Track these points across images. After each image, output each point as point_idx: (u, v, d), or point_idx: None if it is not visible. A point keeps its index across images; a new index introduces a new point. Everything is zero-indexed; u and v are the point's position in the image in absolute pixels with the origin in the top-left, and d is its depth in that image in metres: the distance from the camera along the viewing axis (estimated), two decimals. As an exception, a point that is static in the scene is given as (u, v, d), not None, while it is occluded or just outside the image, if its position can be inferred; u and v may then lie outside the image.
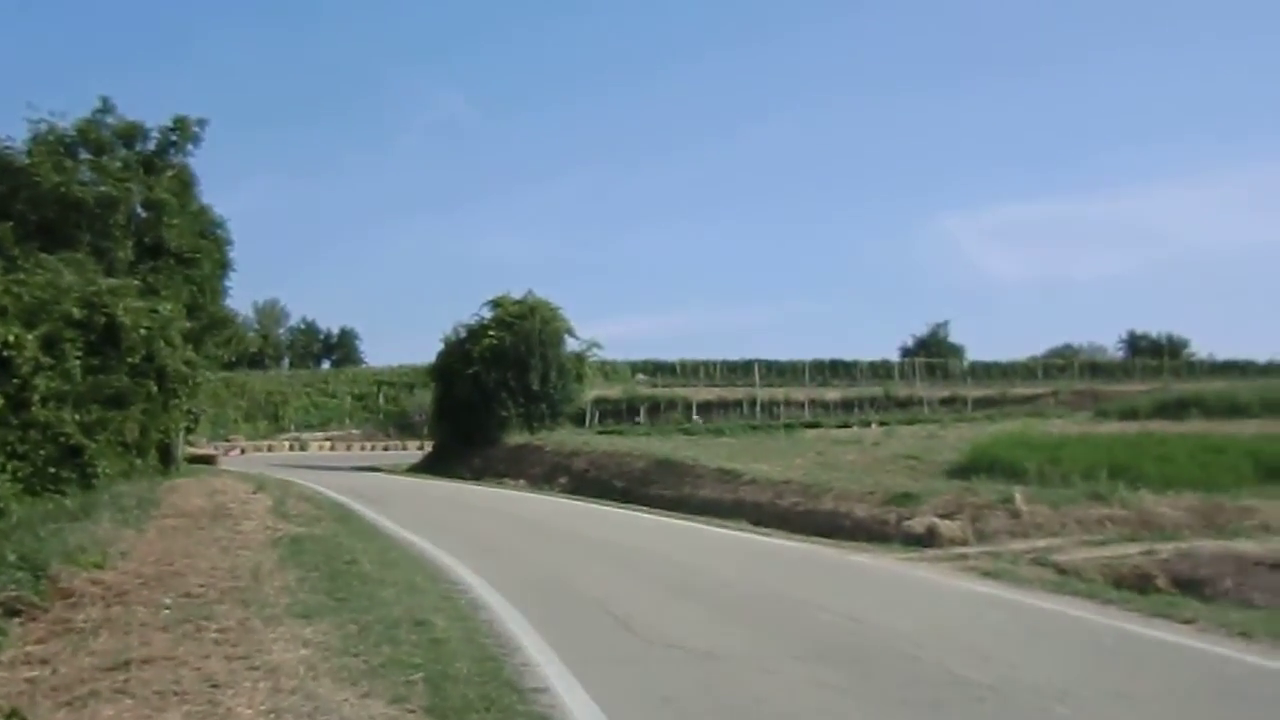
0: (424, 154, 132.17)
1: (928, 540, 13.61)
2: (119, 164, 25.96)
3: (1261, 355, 71.56)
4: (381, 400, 64.04)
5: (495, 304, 37.57)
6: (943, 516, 14.29)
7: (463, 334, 37.56)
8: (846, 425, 39.27)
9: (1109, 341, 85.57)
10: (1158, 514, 14.19)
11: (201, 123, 27.33)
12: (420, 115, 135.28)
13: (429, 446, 41.81)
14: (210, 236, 28.02)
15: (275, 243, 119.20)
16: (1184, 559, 11.56)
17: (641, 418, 46.31)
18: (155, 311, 21.03)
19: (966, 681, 6.21)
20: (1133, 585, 10.69)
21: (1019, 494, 14.65)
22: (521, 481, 27.69)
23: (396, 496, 22.02)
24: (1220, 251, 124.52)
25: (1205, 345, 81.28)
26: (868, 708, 5.76)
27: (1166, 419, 29.46)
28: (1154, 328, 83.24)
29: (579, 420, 39.64)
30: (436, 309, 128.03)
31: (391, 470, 35.55)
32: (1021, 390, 57.52)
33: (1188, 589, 10.58)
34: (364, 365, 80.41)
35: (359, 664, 6.25)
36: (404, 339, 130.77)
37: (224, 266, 28.87)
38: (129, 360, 19.67)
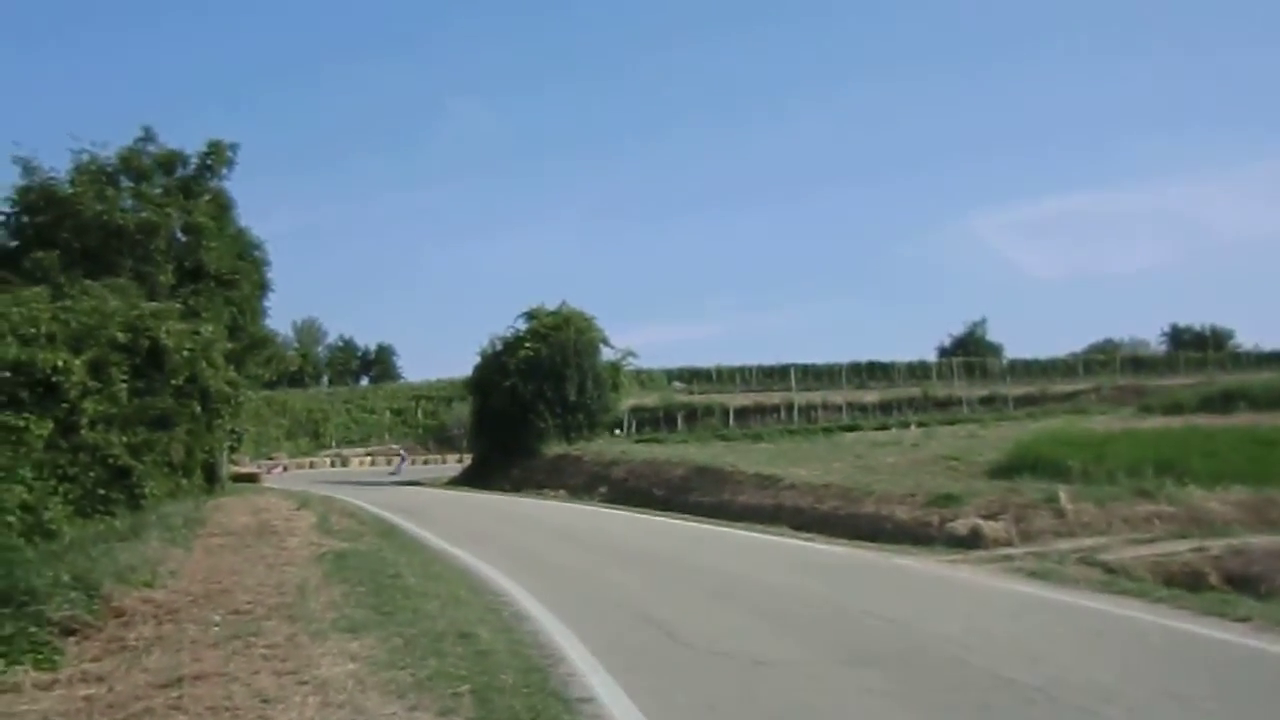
0: (452, 168, 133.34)
1: (971, 542, 13.48)
2: (159, 190, 26.45)
3: (1312, 345, 70.32)
4: (420, 415, 64.56)
5: (530, 315, 37.76)
6: (986, 517, 14.15)
7: (499, 346, 37.78)
8: (885, 427, 38.98)
9: (1151, 335, 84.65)
10: (1207, 510, 13.95)
11: (234, 147, 27.81)
12: (445, 127, 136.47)
13: (468, 459, 42.08)
14: (248, 258, 28.47)
15: (312, 263, 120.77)
16: (1236, 555, 11.38)
17: (679, 425, 46.29)
18: (197, 333, 21.37)
19: (1014, 683, 6.15)
20: (1183, 583, 10.52)
21: (1063, 493, 14.47)
22: (561, 492, 27.78)
23: (437, 510, 22.18)
24: (1262, 240, 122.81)
25: (1251, 336, 79.66)
26: (915, 712, 5.72)
27: (1213, 412, 28.92)
28: (1197, 320, 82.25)
29: (617, 429, 39.68)
30: (472, 322, 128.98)
31: (432, 484, 35.82)
32: (1062, 387, 56.91)
33: (1241, 586, 10.40)
34: (402, 381, 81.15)
35: (406, 677, 6.30)
36: (441, 353, 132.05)
37: (263, 287, 29.31)
38: (173, 382, 20.01)
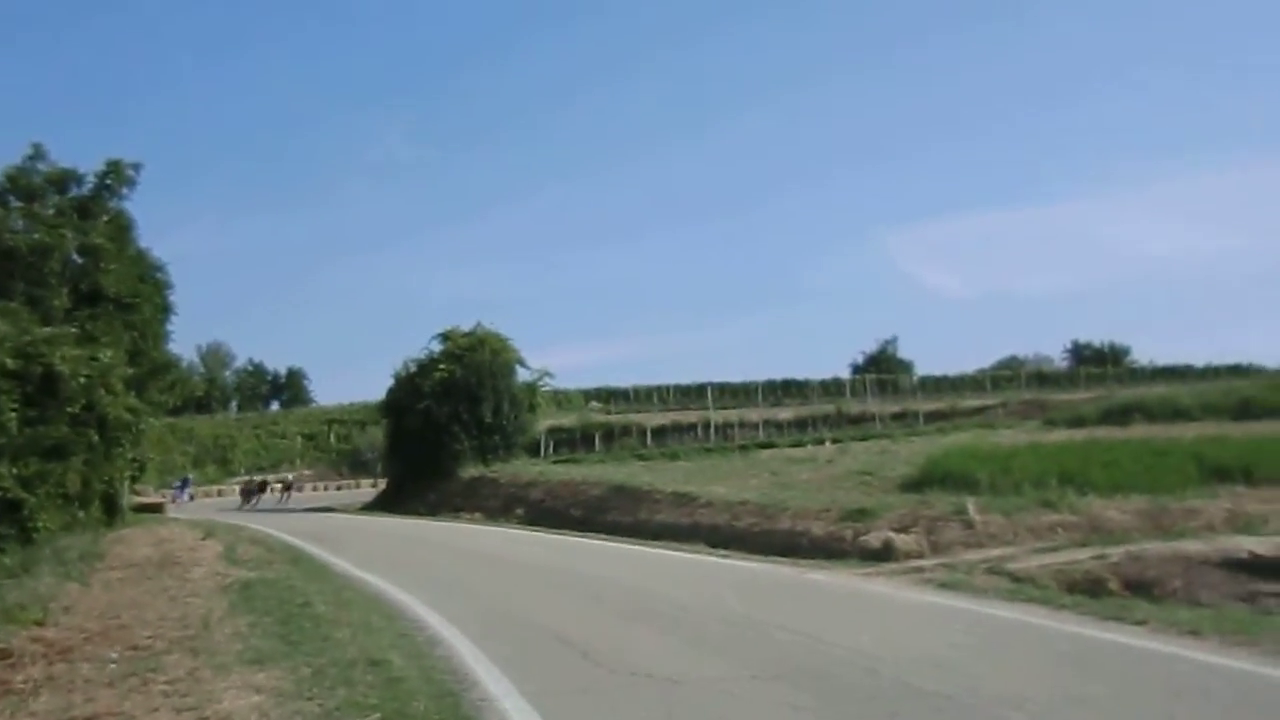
0: (364, 192, 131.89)
1: (884, 555, 13.70)
2: (52, 210, 25.53)
3: (1199, 360, 73.66)
4: (332, 439, 63.30)
5: (444, 337, 37.40)
6: (898, 530, 14.40)
7: (413, 369, 37.32)
8: (800, 444, 39.48)
9: (1054, 351, 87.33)
10: (1107, 518, 14.43)
11: (137, 166, 27.02)
12: (360, 154, 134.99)
13: (382, 484, 41.34)
14: (150, 281, 27.64)
15: (218, 285, 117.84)
16: (1134, 562, 11.76)
17: (596, 445, 46.21)
18: (94, 359, 20.63)
19: (925, 693, 6.24)
20: (1085, 590, 10.85)
21: (972, 505, 14.81)
22: (477, 515, 27.47)
23: (350, 536, 21.70)
24: (1158, 260, 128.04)
25: (1146, 352, 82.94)
26: (829, 725, 5.76)
27: (1112, 425, 30.05)
28: (1097, 336, 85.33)
29: (533, 450, 39.47)
30: (384, 346, 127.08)
31: (345, 509, 35.08)
32: (971, 402, 58.34)
33: (1138, 591, 10.76)
34: (313, 405, 79.51)
35: (314, 708, 6.11)
36: (353, 377, 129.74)
37: (165, 310, 28.48)
38: (68, 410, 19.25)
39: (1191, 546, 12.34)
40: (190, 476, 49.48)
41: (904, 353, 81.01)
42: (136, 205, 27.87)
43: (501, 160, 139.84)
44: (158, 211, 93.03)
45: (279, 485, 45.56)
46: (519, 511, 26.35)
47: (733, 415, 53.87)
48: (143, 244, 28.03)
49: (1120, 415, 32.73)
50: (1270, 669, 6.64)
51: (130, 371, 23.21)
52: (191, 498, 45.58)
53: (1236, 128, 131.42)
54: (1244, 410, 30.20)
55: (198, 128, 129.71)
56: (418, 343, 43.90)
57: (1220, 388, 39.99)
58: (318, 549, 18.11)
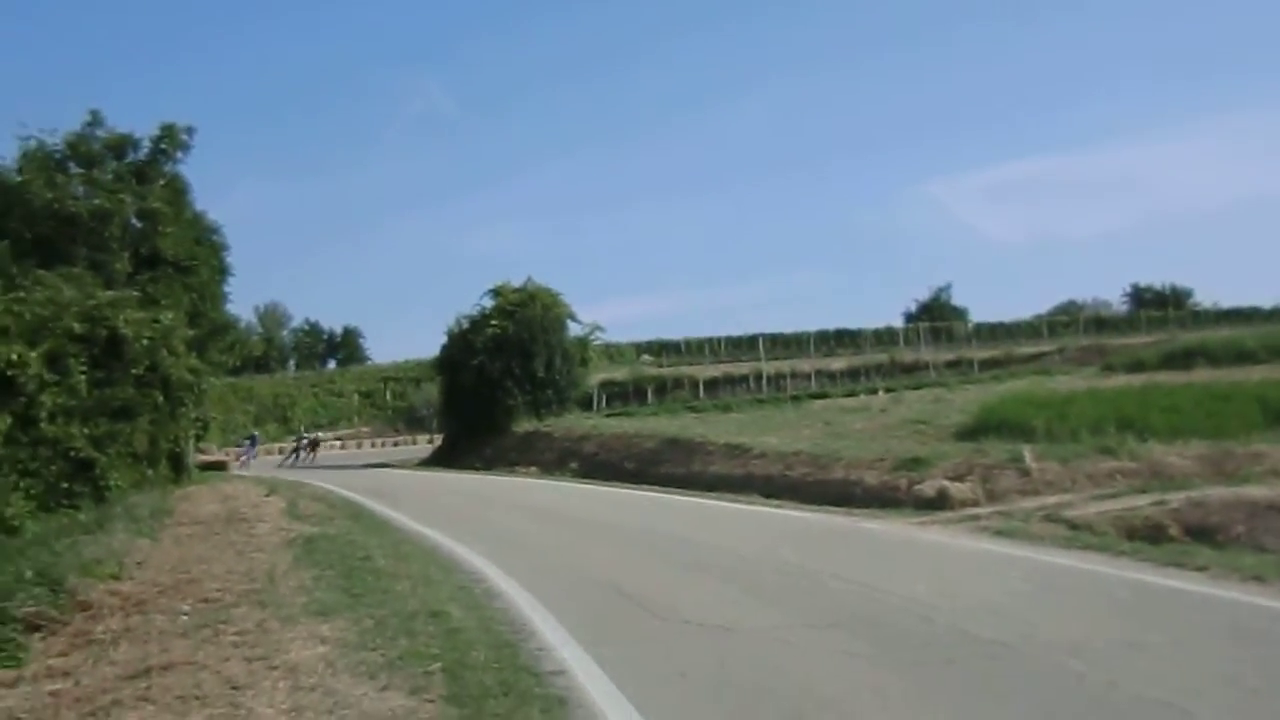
0: (409, 150, 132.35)
1: (939, 503, 13.63)
2: (110, 176, 26.01)
3: (1266, 302, 71.63)
4: (388, 396, 64.17)
5: (495, 293, 37.56)
6: (953, 479, 14.30)
7: (465, 325, 37.55)
8: (853, 394, 39.23)
9: (1113, 296, 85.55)
10: (1167, 464, 14.18)
11: (190, 130, 27.35)
12: (403, 111, 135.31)
13: (438, 440, 41.91)
14: (206, 243, 28.10)
15: (272, 245, 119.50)
16: (1195, 507, 11.56)
17: (648, 398, 46.34)
18: (156, 321, 21.07)
19: (981, 640, 6.24)
20: (1145, 536, 10.71)
21: (1028, 452, 14.64)
22: (532, 469, 27.76)
23: (407, 491, 22.08)
24: (1219, 200, 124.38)
25: (1209, 294, 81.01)
26: (882, 671, 5.79)
27: (1173, 370, 29.40)
28: (1157, 279, 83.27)
29: (586, 404, 39.67)
30: (438, 302, 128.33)
31: (402, 465, 35.66)
32: (1027, 349, 57.43)
33: (1199, 537, 10.59)
34: (369, 363, 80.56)
35: (377, 658, 6.29)
36: (407, 334, 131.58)
37: (222, 272, 28.96)
38: (133, 371, 19.73)
39: (1256, 491, 12.08)
40: (257, 434, 47.52)
41: (958, 300, 79.80)
42: (189, 168, 28.29)
43: (553, 115, 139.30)
44: (207, 173, 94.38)
45: (308, 443, 43.81)
46: (573, 465, 26.57)
47: (785, 366, 53.63)
48: (198, 207, 28.51)
49: (1182, 359, 32.02)
50: (1336, 615, 6.54)
51: (191, 333, 23.68)
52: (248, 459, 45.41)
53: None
54: (1312, 352, 29.41)
55: (240, 87, 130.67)
56: (469, 299, 44.11)
57: (1287, 329, 38.92)
58: (377, 504, 18.47)
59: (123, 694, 5.82)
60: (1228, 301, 75.19)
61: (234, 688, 5.79)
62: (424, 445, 45.26)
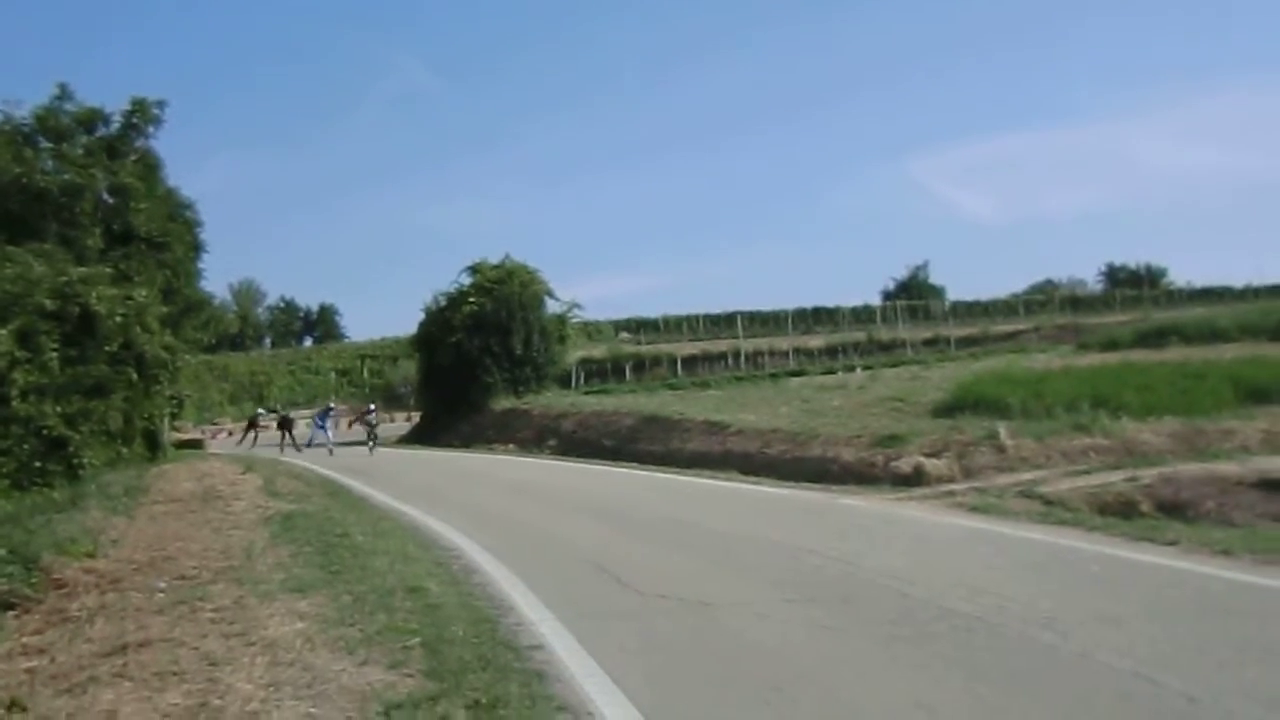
0: (383, 124, 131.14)
1: (915, 480, 13.74)
2: (81, 151, 25.61)
3: (1238, 280, 72.43)
4: (365, 374, 63.93)
5: (473, 270, 37.44)
6: (929, 455, 14.42)
7: (443, 302, 37.45)
8: (831, 371, 39.45)
9: (1088, 274, 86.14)
10: (1140, 441, 14.35)
11: (161, 104, 26.96)
12: (380, 83, 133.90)
13: (416, 417, 41.81)
14: (179, 219, 27.78)
15: (247, 222, 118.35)
16: (1166, 483, 11.72)
17: (627, 376, 46.39)
18: (129, 298, 20.87)
19: (956, 613, 6.31)
20: (1117, 512, 10.85)
21: (1003, 429, 14.77)
22: (510, 446, 27.77)
23: (385, 468, 22.05)
24: (1193, 180, 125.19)
25: (1183, 274, 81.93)
26: (858, 644, 5.85)
27: (1147, 348, 29.68)
28: (1132, 259, 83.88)
29: (565, 382, 39.70)
30: (414, 280, 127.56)
31: (380, 443, 35.53)
32: (1003, 327, 57.90)
33: (1171, 512, 10.74)
34: (346, 340, 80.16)
35: (355, 633, 6.28)
36: (385, 312, 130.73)
37: (196, 249, 28.67)
38: (107, 349, 19.55)
39: (1226, 468, 12.26)
40: (333, 405, 36.36)
41: (935, 278, 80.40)
42: (161, 143, 27.94)
43: (523, 88, 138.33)
44: (180, 149, 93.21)
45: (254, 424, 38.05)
46: (551, 442, 26.60)
47: (763, 344, 53.83)
48: (171, 182, 28.15)
49: (1155, 338, 32.34)
50: (1303, 587, 6.64)
51: (165, 309, 23.48)
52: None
53: (1273, 48, 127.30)
54: (1283, 330, 29.74)
55: (212, 61, 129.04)
56: (446, 276, 43.98)
57: (1260, 308, 39.31)
58: (354, 482, 18.43)
59: (99, 671, 5.79)
60: (1201, 281, 75.99)
61: (211, 664, 5.77)
62: (402, 422, 45.16)
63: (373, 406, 32.57)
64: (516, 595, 7.58)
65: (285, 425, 33.55)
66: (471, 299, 36.12)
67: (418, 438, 35.92)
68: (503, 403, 33.59)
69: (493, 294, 35.97)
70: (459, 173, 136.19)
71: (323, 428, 31.29)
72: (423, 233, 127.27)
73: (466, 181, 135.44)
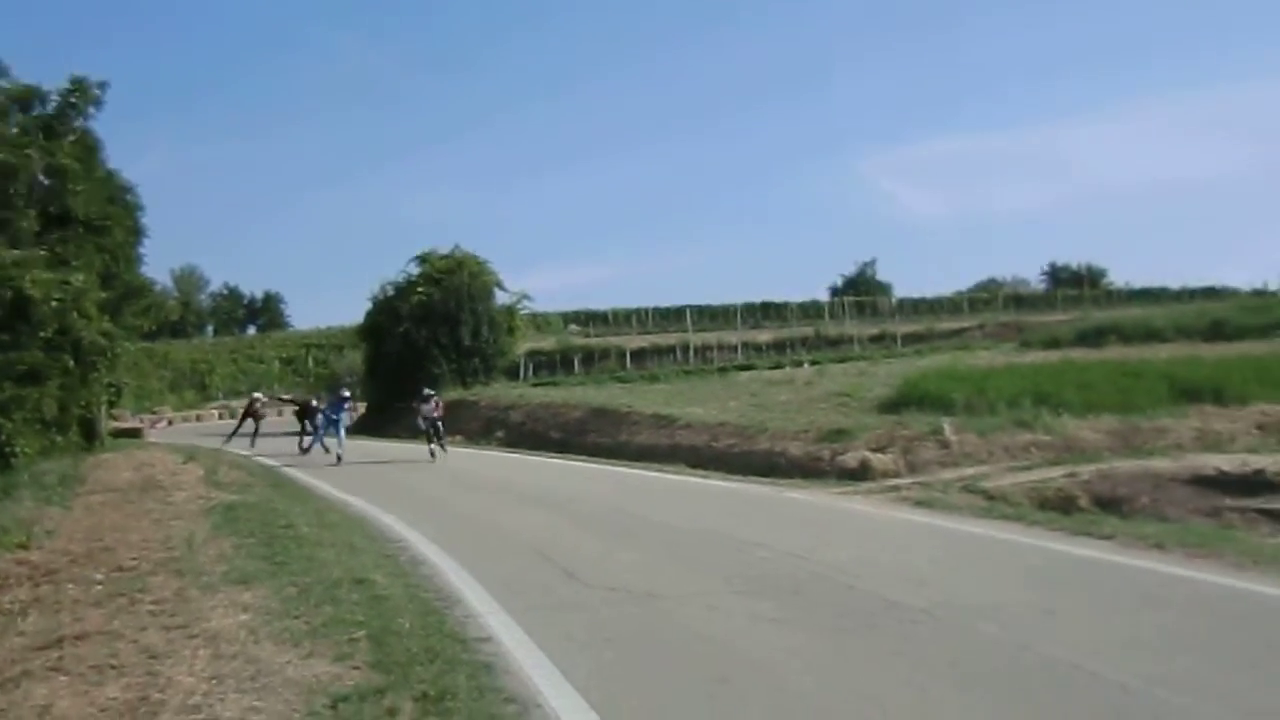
0: (335, 111, 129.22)
1: (861, 474, 13.92)
2: (15, 130, 24.86)
3: (1174, 282, 74.32)
4: (311, 363, 63.07)
5: (422, 260, 37.13)
6: (875, 450, 14.60)
7: (390, 292, 37.08)
8: (779, 366, 39.67)
9: (1031, 274, 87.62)
10: (1079, 438, 14.69)
11: (103, 85, 26.23)
12: (330, 70, 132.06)
13: (362, 408, 41.34)
14: (120, 203, 27.09)
15: (191, 208, 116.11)
16: (1104, 479, 12.01)
17: (575, 368, 46.30)
18: (66, 283, 20.36)
19: (901, 606, 6.40)
20: (1057, 506, 11.10)
21: (948, 425, 15.02)
22: (458, 437, 27.47)
23: (329, 459, 21.74)
24: (1134, 183, 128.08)
25: (1122, 274, 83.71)
26: (805, 636, 5.91)
27: (1087, 346, 30.38)
28: (1074, 259, 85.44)
29: (513, 373, 39.51)
30: (361, 270, 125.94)
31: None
32: (948, 325, 58.67)
33: (1108, 507, 11.02)
34: (290, 329, 78.98)
35: (300, 626, 6.21)
36: (331, 300, 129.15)
37: (137, 233, 27.98)
38: (42, 334, 19.08)
39: (1160, 464, 12.60)
40: (348, 393, 26.69)
41: (883, 275, 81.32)
42: (102, 126, 27.21)
43: (474, 83, 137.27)
44: (122, 133, 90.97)
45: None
46: (499, 434, 26.49)
47: (711, 338, 54.00)
48: (111, 165, 27.44)
49: (1095, 337, 33.11)
50: (1231, 580, 6.84)
51: (103, 295, 22.90)
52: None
53: (1212, 56, 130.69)
54: (1216, 332, 30.64)
55: (162, 47, 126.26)
56: (394, 266, 43.57)
57: (1194, 310, 40.44)
58: (298, 472, 18.19)
59: (33, 665, 5.66)
60: (1139, 282, 77.74)
61: (152, 656, 5.66)
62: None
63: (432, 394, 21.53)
64: (464, 587, 7.55)
65: (306, 414, 24.73)
66: (420, 289, 35.83)
67: (363, 428, 35.50)
68: (450, 393, 33.32)
69: (441, 284, 35.70)
70: (408, 163, 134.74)
71: (336, 421, 21.74)
72: (370, 221, 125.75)
73: (415, 171, 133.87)
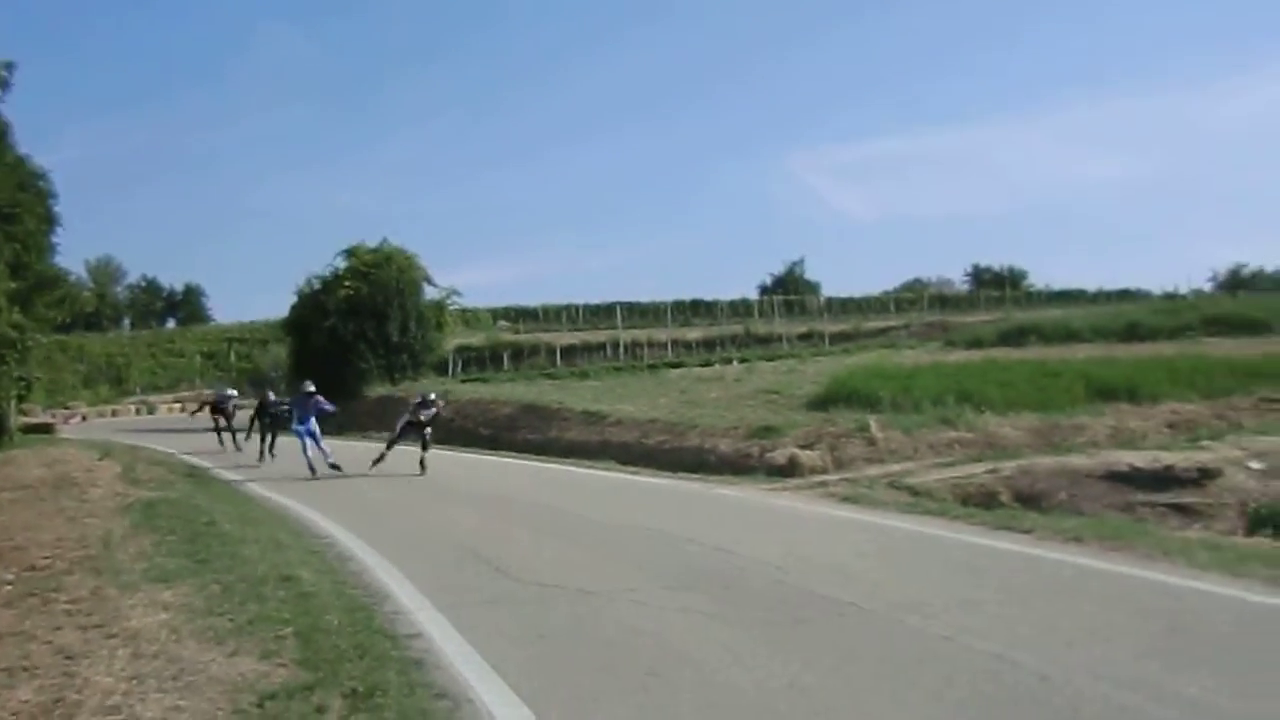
0: (260, 101, 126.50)
1: (790, 470, 14.08)
2: (-87, 112, 23.82)
3: (1092, 285, 76.82)
4: (233, 358, 61.66)
5: (349, 253, 36.51)
6: (803, 447, 14.78)
7: (317, 285, 36.42)
8: (709, 363, 39.88)
9: (956, 274, 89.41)
10: (1001, 435, 15.06)
11: (10, 65, 25.19)
12: (255, 58, 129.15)
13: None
14: (30, 189, 26.06)
15: (107, 197, 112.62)
16: (1024, 475, 12.34)
17: (505, 364, 46.01)
18: (-27, 272, 19.57)
19: (828, 599, 6.50)
20: (979, 502, 11.38)
21: (874, 422, 15.27)
22: (385, 434, 27.18)
23: (254, 455, 21.29)
24: (1052, 187, 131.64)
25: (1042, 276, 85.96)
26: (734, 630, 5.97)
27: (1009, 346, 31.20)
28: (996, 260, 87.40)
29: (442, 369, 39.13)
30: (286, 264, 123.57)
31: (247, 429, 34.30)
32: (875, 324, 59.55)
33: (1028, 502, 11.34)
34: (212, 323, 77.10)
35: (225, 623, 6.09)
36: (254, 294, 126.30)
37: (49, 222, 26.93)
38: (-53, 326, 18.31)
39: (1077, 461, 12.98)
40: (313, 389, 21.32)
41: (811, 274, 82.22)
42: (10, 109, 26.13)
43: (403, 83, 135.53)
44: (33, 118, 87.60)
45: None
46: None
47: (641, 335, 54.08)
48: (21, 150, 26.40)
49: (1016, 337, 34.04)
50: (1143, 570, 7.09)
51: (13, 285, 22.05)
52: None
53: (1124, 62, 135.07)
54: (1130, 333, 31.75)
55: (72, 25, 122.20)
56: (320, 261, 42.83)
57: (1110, 311, 41.86)
58: (221, 469, 17.78)
59: (-62, 667, 5.45)
60: (1058, 283, 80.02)
61: (68, 657, 5.50)
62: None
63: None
64: (393, 583, 7.47)
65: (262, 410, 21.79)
66: (347, 282, 35.23)
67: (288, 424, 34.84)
68: (377, 390, 32.90)
69: (369, 278, 35.17)
70: (334, 153, 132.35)
71: (305, 424, 17.63)
72: (295, 213, 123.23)
73: (342, 162, 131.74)
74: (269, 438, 20.40)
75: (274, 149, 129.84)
